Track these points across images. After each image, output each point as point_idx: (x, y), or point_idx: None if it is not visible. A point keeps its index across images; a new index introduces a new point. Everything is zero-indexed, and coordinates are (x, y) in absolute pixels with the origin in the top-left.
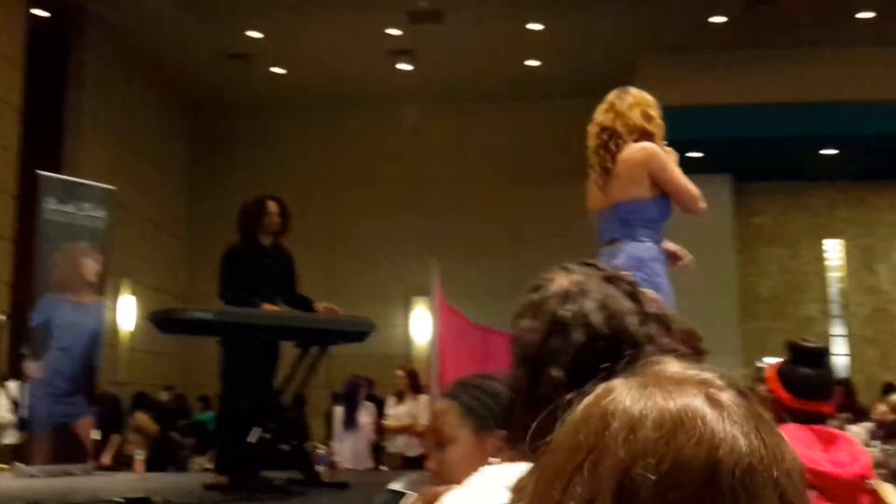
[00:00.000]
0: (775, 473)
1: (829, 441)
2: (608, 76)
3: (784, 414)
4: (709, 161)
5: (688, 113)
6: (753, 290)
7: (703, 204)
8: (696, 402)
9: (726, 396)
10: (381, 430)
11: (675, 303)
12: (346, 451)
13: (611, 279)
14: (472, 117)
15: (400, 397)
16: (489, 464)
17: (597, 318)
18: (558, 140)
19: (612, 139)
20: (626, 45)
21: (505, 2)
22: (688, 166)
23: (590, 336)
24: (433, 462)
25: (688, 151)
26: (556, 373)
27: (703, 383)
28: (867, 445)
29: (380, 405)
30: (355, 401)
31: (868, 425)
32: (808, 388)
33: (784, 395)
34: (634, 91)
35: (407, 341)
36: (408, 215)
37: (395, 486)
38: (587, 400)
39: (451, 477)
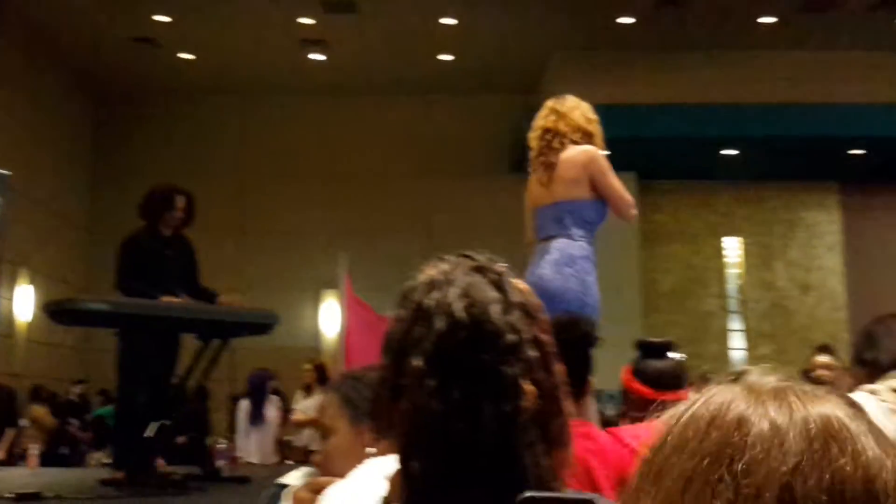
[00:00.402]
0: None
1: None
2: (520, 73)
3: (647, 410)
4: (615, 159)
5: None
6: (655, 285)
7: (634, 211)
8: (836, 412)
9: (852, 411)
10: (286, 424)
11: (599, 300)
12: (252, 445)
13: (479, 269)
14: (385, 110)
15: (308, 390)
16: (367, 454)
17: (458, 307)
18: (472, 135)
19: (555, 138)
20: (538, 44)
21: None
22: None
23: (450, 324)
24: (319, 454)
25: None
26: (416, 361)
27: (828, 395)
28: None
29: (284, 399)
30: (262, 395)
31: None
32: (665, 380)
33: (646, 390)
34: (571, 97)
35: (316, 334)
36: (319, 207)
37: (284, 479)
38: (698, 405)
39: (333, 468)
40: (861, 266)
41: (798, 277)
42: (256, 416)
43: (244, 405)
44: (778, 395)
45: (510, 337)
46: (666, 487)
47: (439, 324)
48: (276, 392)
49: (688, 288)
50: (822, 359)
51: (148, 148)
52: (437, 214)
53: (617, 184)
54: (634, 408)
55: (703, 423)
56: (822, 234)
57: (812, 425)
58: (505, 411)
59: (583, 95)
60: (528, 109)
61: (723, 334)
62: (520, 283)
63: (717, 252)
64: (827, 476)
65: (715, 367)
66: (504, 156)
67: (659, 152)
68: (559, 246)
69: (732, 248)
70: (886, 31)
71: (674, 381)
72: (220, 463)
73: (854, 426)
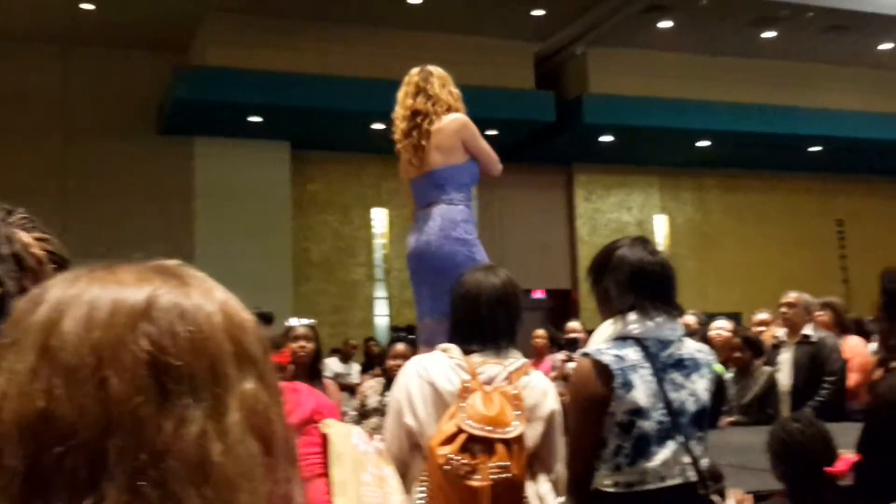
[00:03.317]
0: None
1: None
2: (170, 31)
3: None
4: (268, 126)
5: (249, 77)
6: (307, 254)
7: (500, 166)
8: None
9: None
10: None
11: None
12: None
13: None
14: (19, 60)
15: None
16: None
17: None
18: (116, 93)
19: (424, 120)
20: (190, 1)
21: None
22: (248, 131)
23: None
24: None
25: (248, 116)
26: None
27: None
28: (382, 395)
29: None
30: None
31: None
32: None
33: None
34: (434, 70)
35: None
36: None
37: None
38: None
39: None
40: (495, 238)
41: None
42: None
43: None
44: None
45: None
46: None
47: None
48: None
49: (337, 258)
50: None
51: None
52: (74, 176)
53: (486, 145)
54: None
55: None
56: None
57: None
58: None
59: (236, 59)
60: (178, 68)
61: (369, 302)
62: (22, 236)
63: (366, 222)
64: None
65: (360, 333)
66: (152, 117)
67: (312, 122)
68: (440, 212)
69: (380, 220)
70: (523, 22)
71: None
72: None
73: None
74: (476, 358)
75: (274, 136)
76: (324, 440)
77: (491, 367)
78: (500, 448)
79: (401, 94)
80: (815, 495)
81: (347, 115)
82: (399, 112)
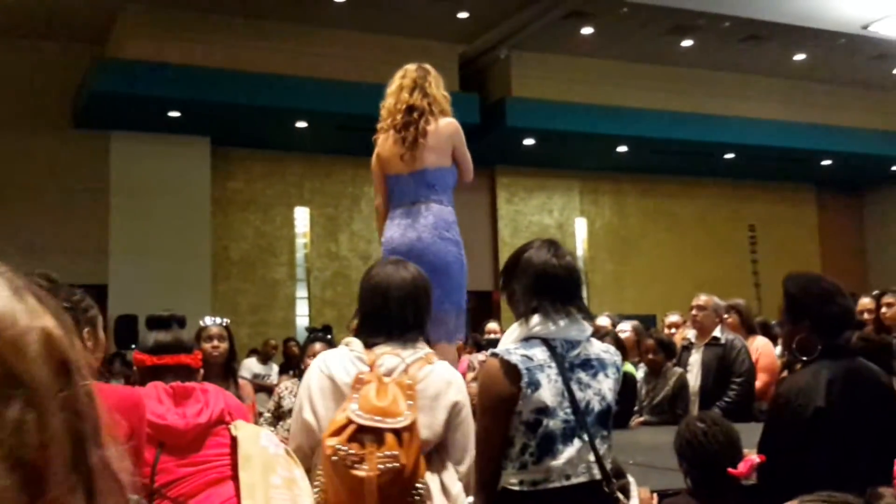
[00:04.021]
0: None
1: (183, 396)
2: (87, 21)
3: (148, 375)
4: (188, 122)
5: (169, 71)
6: (226, 252)
7: (472, 175)
8: None
9: None
10: None
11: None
12: None
13: None
14: None
15: None
16: None
17: None
18: (30, 82)
19: (422, 117)
20: None
21: None
22: (166, 126)
23: None
24: None
25: (167, 110)
26: None
27: None
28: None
29: None
30: None
31: None
32: (163, 346)
33: (144, 357)
34: (430, 70)
35: None
36: None
37: None
38: None
39: None
40: None
41: (360, 248)
42: None
43: None
44: None
45: None
46: None
47: None
48: None
49: (258, 256)
50: (356, 322)
51: None
52: None
53: (468, 153)
54: (140, 376)
55: None
56: None
57: None
58: None
59: (156, 52)
60: (95, 60)
61: (290, 301)
62: None
63: (288, 221)
64: None
65: (280, 334)
66: (67, 109)
67: (234, 119)
68: (434, 211)
69: (302, 219)
70: (446, 23)
71: (170, 347)
72: None
73: None
74: (378, 350)
75: (194, 131)
76: (233, 442)
77: (390, 358)
78: (389, 438)
79: (393, 86)
80: (718, 494)
81: (270, 112)
82: (391, 104)
